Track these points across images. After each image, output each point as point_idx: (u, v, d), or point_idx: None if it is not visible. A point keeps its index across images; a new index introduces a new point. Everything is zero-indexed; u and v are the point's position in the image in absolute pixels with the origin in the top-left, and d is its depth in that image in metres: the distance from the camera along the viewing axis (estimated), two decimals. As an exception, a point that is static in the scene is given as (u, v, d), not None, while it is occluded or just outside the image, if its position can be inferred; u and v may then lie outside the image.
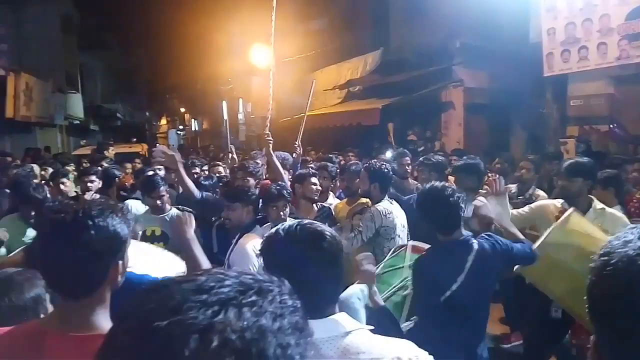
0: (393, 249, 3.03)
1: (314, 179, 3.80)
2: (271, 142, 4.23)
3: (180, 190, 3.99)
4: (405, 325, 2.42)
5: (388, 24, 12.67)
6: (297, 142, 4.76)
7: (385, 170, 3.53)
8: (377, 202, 3.44)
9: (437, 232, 2.46)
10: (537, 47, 8.52)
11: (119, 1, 26.78)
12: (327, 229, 1.33)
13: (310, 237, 1.29)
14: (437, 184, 2.54)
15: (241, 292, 0.56)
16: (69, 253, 1.20)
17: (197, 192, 3.74)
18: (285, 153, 4.94)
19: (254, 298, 0.55)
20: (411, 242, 3.01)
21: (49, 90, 16.92)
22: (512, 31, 8.84)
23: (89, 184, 4.19)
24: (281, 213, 3.17)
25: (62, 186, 4.42)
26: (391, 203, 3.50)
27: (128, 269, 1.37)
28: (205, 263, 2.01)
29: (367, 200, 3.62)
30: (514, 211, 3.35)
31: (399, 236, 3.37)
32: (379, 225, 3.33)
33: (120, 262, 1.28)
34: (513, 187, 4.68)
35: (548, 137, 8.96)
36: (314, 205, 3.80)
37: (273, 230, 1.37)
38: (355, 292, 2.03)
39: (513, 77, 9.17)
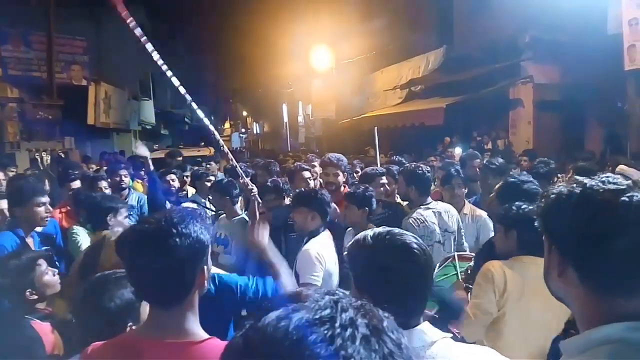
0: (439, 263, 2.99)
1: (382, 180, 3.79)
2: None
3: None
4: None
5: (451, 20, 12.34)
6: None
7: (420, 172, 3.46)
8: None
9: None
10: (616, 39, 7.96)
11: (187, 11, 28.15)
12: (418, 241, 1.33)
13: (401, 248, 1.30)
14: None
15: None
16: (156, 263, 1.21)
17: None
18: (340, 154, 4.85)
19: (375, 347, 0.58)
20: (456, 253, 3.10)
21: (125, 98, 18.10)
22: (587, 23, 8.31)
23: (170, 183, 4.57)
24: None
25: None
26: (428, 208, 3.39)
27: None
28: (284, 272, 1.99)
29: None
30: None
31: (439, 242, 3.30)
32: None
33: (205, 267, 1.30)
34: None
35: (629, 135, 8.34)
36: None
37: (361, 236, 1.36)
38: None
39: (589, 72, 8.61)
